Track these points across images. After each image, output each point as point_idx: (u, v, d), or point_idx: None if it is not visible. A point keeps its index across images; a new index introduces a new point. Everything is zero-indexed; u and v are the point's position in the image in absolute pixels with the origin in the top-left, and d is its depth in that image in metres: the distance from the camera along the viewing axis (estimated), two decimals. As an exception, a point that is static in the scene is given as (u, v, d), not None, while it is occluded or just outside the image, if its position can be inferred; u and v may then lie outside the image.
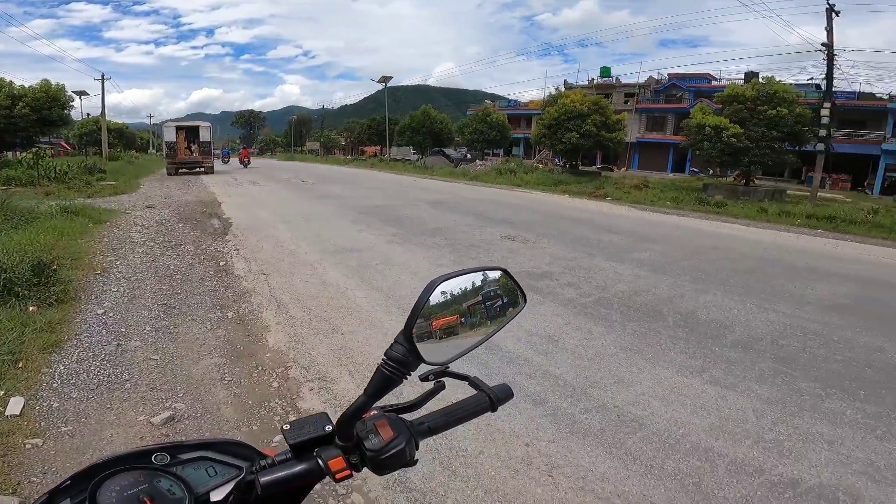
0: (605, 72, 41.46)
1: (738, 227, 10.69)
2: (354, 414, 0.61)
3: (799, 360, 3.60)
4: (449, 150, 37.31)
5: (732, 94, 18.88)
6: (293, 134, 72.46)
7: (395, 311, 4.44)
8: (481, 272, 0.74)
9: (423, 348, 0.61)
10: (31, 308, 3.99)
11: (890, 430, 2.70)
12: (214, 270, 5.68)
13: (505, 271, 0.77)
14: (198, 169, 23.19)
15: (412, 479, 2.22)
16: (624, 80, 40.35)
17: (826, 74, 17.49)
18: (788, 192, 19.34)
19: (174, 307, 4.42)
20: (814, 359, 3.63)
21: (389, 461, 0.61)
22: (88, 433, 2.55)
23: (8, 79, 22.41)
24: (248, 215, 9.84)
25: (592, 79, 41.39)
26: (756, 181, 20.90)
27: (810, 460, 2.41)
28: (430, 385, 0.71)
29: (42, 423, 2.61)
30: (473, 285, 0.73)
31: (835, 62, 17.38)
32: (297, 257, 6.37)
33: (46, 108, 22.19)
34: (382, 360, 0.60)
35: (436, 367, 0.67)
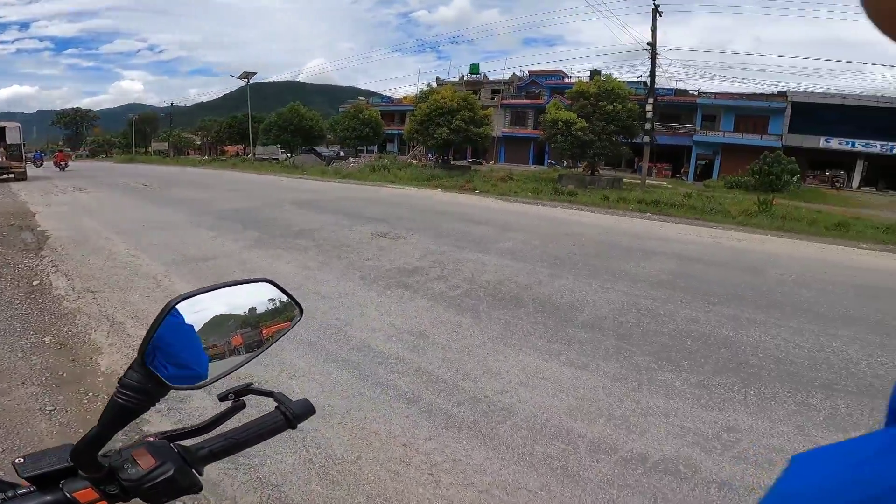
0: (475, 69, 43.06)
1: (586, 214, 11.97)
2: (88, 445, 0.56)
3: (635, 335, 4.04)
4: (321, 148, 35.87)
5: (579, 90, 20.88)
6: (134, 134, 63.16)
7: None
8: (241, 285, 0.70)
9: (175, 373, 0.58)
10: None
11: (711, 399, 3.02)
12: (25, 291, 4.72)
13: (271, 282, 0.73)
14: (6, 175, 19.17)
15: (287, 492, 2.08)
16: (491, 77, 41.96)
17: (650, 72, 20.27)
18: (625, 180, 22.17)
19: (-38, 344, 3.56)
20: (647, 333, 4.09)
21: (158, 489, 0.58)
22: None
23: None
24: (71, 226, 8.33)
25: (462, 75, 42.59)
26: (600, 171, 23.59)
27: (653, 434, 2.61)
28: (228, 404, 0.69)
29: None
30: (237, 299, 0.69)
31: (657, 60, 20.22)
32: (135, 270, 5.55)
33: None
34: (117, 387, 0.56)
35: (189, 388, 0.62)
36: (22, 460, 0.57)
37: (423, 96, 25.69)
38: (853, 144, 27.29)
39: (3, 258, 6.01)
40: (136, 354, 0.57)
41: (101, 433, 0.57)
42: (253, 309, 0.70)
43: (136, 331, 3.81)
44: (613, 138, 20.24)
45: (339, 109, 42.40)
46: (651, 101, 19.91)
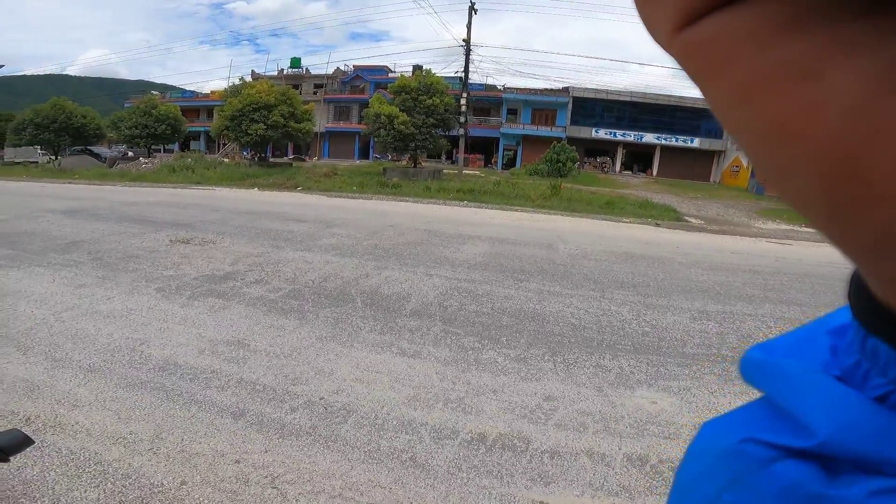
0: (296, 62, 40.87)
1: (409, 205, 12.38)
2: None
3: (459, 318, 4.27)
4: (100, 149, 29.93)
5: (402, 85, 21.31)
6: None
7: (15, 352, 3.24)
8: None
9: None
10: None
11: (530, 371, 3.27)
12: None
13: None
14: None
15: None
16: (314, 72, 40.41)
17: (464, 68, 21.80)
18: (444, 171, 23.62)
19: None
20: (469, 314, 4.36)
21: None
22: None
23: None
24: None
25: (282, 69, 40.29)
26: (423, 163, 24.68)
27: (487, 413, 2.74)
28: None
29: None
30: None
31: (472, 57, 21.81)
32: None
33: None
34: None
35: None
36: None
37: (235, 91, 23.31)
38: (615, 134, 33.60)
39: None
40: None
41: None
42: None
43: None
44: (433, 131, 21.29)
45: (125, 105, 35.95)
46: (465, 95, 21.48)
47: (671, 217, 12.49)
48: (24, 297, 4.39)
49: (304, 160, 32.77)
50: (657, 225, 11.18)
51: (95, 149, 29.62)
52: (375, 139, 22.21)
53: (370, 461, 2.32)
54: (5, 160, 30.53)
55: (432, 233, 8.36)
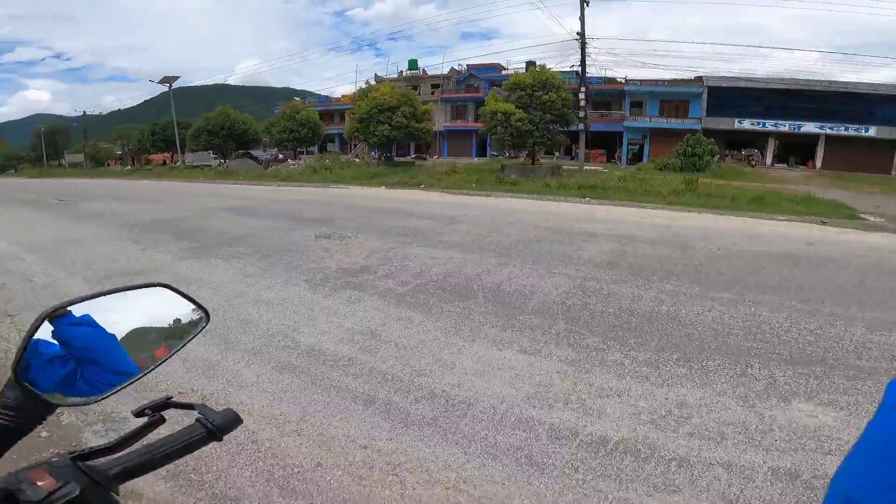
0: (413, 64, 42.78)
1: (528, 202, 12.23)
2: None
3: (583, 317, 4.13)
4: (257, 152, 34.48)
5: (516, 82, 21.23)
6: (45, 146, 57.63)
7: (202, 335, 3.86)
8: (134, 290, 0.65)
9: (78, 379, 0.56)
10: None
11: (660, 376, 3.08)
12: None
13: (167, 286, 0.68)
14: None
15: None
16: (430, 72, 41.80)
17: (581, 61, 21.01)
18: (564, 167, 22.93)
19: None
20: (594, 314, 4.19)
21: None
22: None
23: None
24: (-27, 250, 7.48)
25: (401, 71, 42.21)
26: (540, 160, 24.22)
27: (610, 416, 2.62)
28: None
29: None
30: (134, 306, 0.64)
31: (587, 50, 20.97)
32: (54, 291, 5.06)
33: None
34: None
35: (78, 404, 0.60)
36: None
37: (362, 94, 25.33)
38: (763, 125, 29.57)
39: None
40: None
41: None
42: (151, 316, 0.66)
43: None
44: (550, 127, 20.80)
45: (275, 111, 40.94)
46: (583, 89, 20.65)
47: (843, 214, 10.64)
48: (203, 284, 5.25)
49: (424, 159, 34.16)
50: (823, 223, 9.58)
51: (254, 152, 34.11)
52: (492, 136, 22.33)
53: (486, 456, 2.32)
54: (186, 164, 36.70)
55: (553, 230, 8.17)
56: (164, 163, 41.94)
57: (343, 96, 43.21)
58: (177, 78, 36.24)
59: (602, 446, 2.38)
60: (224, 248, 6.96)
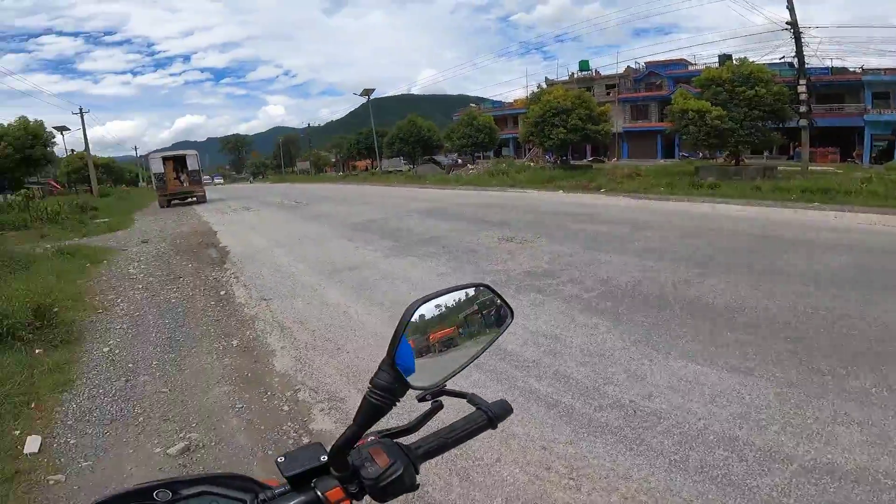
0: (584, 65, 41.70)
1: (734, 207, 10.70)
2: (346, 443, 0.60)
3: (813, 338, 3.56)
4: (440, 157, 37.43)
5: (709, 77, 18.97)
6: (282, 155, 72.38)
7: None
8: (462, 290, 0.74)
9: (420, 369, 0.62)
10: (37, 351, 4.00)
11: None
12: (216, 300, 5.64)
13: (486, 287, 0.77)
14: (189, 199, 23.04)
15: (431, 492, 2.18)
16: (603, 73, 40.46)
17: (796, 52, 17.62)
18: (780, 167, 19.42)
19: (179, 340, 4.40)
20: (831, 336, 3.57)
21: (389, 488, 0.61)
22: (109, 467, 2.56)
23: None
24: (243, 242, 9.81)
25: (572, 73, 41.47)
26: (746, 161, 20.97)
27: (841, 443, 2.33)
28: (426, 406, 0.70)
29: (62, 460, 2.63)
30: (457, 303, 0.73)
31: (802, 39, 17.49)
32: (296, 280, 6.33)
33: (28, 146, 21.95)
34: (368, 388, 0.60)
35: (425, 389, 0.66)
36: (283, 459, 0.61)
37: (535, 98, 25.40)
38: None
39: (198, 272, 7.29)
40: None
41: (356, 431, 0.60)
42: (470, 311, 0.75)
43: (301, 335, 4.34)
44: (759, 124, 17.89)
45: (453, 118, 43.79)
46: (803, 81, 17.27)
47: None
48: (405, 280, 5.93)
49: (602, 161, 32.69)
50: None
51: (437, 158, 37.11)
52: (682, 137, 20.30)
53: (674, 470, 2.20)
54: (383, 169, 41.75)
55: (766, 238, 7.04)
56: (366, 168, 48.38)
57: (516, 101, 43.92)
58: (373, 90, 40.74)
59: (827, 473, 2.11)
60: (419, 247, 7.76)
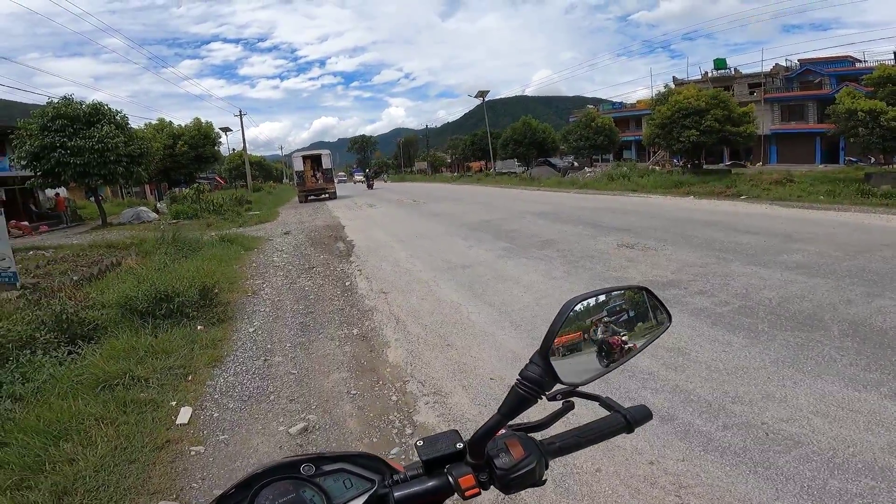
0: (720, 63, 38.20)
1: (919, 220, 8.82)
2: (487, 432, 0.61)
3: None
4: (555, 160, 36.56)
5: (885, 75, 16.42)
6: (402, 155, 76.69)
7: (508, 326, 4.40)
8: (620, 291, 0.73)
9: (558, 367, 0.61)
10: (199, 327, 4.66)
11: None
12: (341, 290, 6.15)
13: (646, 290, 0.75)
14: (323, 195, 25.42)
15: (523, 497, 2.15)
16: (744, 71, 37.03)
17: None
18: None
19: (309, 325, 4.88)
20: None
21: (518, 480, 0.62)
22: (239, 442, 2.86)
23: (167, 119, 26.59)
24: (367, 237, 10.56)
25: (706, 72, 38.45)
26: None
27: None
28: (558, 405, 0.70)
29: (204, 432, 2.97)
30: (613, 304, 0.72)
31: None
32: (412, 275, 6.64)
33: (201, 145, 25.89)
34: (518, 379, 0.61)
35: (573, 386, 0.65)
36: (421, 443, 0.64)
37: (662, 98, 23.50)
38: None
39: (328, 263, 8.01)
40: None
41: (500, 421, 0.61)
42: (628, 313, 0.73)
43: (414, 329, 4.54)
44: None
45: (569, 119, 42.35)
46: None
47: None
48: (517, 282, 5.88)
49: (744, 166, 29.40)
50: None
51: (552, 160, 36.29)
52: (849, 140, 17.61)
53: (805, 496, 2.01)
54: (496, 171, 41.95)
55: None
56: (480, 170, 49.06)
57: (639, 102, 41.37)
58: (487, 92, 40.76)
59: None
60: (533, 250, 7.65)
